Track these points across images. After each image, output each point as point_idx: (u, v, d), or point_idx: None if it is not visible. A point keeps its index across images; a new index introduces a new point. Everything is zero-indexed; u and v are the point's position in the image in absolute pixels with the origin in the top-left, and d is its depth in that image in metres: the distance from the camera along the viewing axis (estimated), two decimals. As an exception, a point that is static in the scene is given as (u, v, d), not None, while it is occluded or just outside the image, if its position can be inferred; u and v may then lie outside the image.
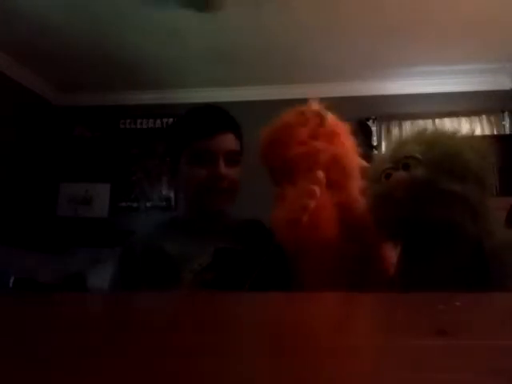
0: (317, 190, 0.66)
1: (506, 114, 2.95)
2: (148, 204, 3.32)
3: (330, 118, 0.73)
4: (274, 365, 0.14)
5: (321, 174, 0.67)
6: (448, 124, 2.85)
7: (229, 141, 0.93)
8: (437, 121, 2.94)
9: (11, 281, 2.52)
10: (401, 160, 0.63)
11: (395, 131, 3.02)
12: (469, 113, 2.98)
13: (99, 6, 2.41)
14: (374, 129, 3.04)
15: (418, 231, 0.61)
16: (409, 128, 2.98)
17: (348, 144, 0.73)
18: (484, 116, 2.98)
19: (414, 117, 3.02)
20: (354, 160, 0.75)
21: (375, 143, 3.02)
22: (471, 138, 0.68)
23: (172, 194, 3.28)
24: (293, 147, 0.70)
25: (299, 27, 2.55)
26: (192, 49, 2.81)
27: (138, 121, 3.46)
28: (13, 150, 3.07)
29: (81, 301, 0.26)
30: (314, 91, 2.84)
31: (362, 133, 3.01)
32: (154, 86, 3.28)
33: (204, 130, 0.91)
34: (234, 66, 2.99)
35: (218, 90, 3.17)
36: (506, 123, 2.95)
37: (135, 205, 3.33)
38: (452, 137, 0.65)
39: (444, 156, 0.59)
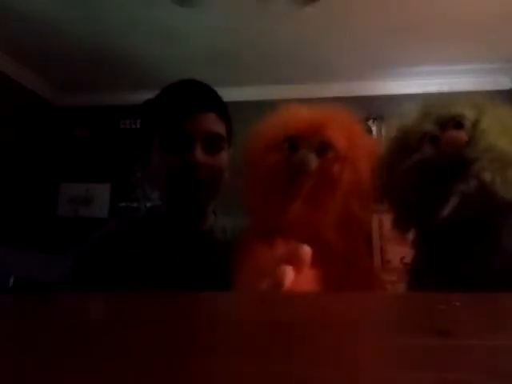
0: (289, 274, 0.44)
1: (506, 113, 2.95)
2: (148, 204, 3.31)
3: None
4: (267, 365, 0.14)
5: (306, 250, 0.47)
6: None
7: (208, 122, 0.78)
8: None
9: (11, 281, 2.52)
10: (449, 120, 0.52)
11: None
12: (469, 113, 2.98)
13: (99, 6, 2.41)
14: (373, 129, 3.04)
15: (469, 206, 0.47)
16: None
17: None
18: (484, 116, 2.98)
19: (414, 117, 3.02)
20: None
21: (375, 143, 3.02)
22: None
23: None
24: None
25: (299, 27, 2.55)
26: (192, 48, 2.81)
27: (138, 121, 3.46)
28: (13, 150, 3.07)
29: (81, 301, 0.26)
30: (314, 91, 2.84)
31: (362, 133, 3.02)
32: (155, 86, 3.27)
33: (177, 109, 0.77)
34: (234, 65, 2.98)
35: (218, 90, 3.16)
36: (507, 123, 2.95)
37: (135, 205, 3.32)
38: (502, 108, 0.54)
39: (502, 125, 0.50)
